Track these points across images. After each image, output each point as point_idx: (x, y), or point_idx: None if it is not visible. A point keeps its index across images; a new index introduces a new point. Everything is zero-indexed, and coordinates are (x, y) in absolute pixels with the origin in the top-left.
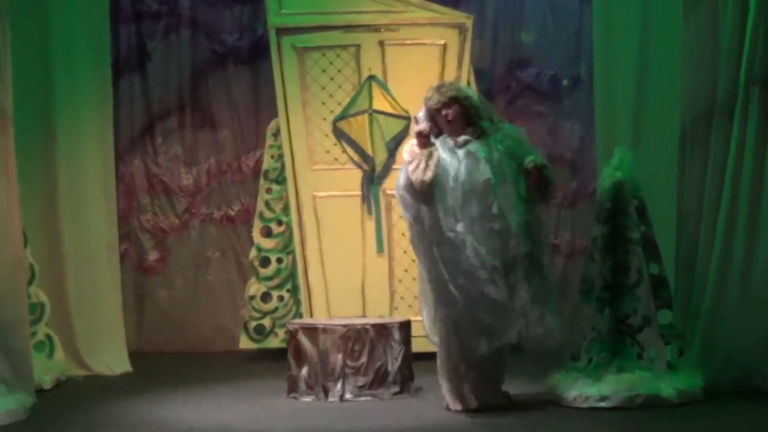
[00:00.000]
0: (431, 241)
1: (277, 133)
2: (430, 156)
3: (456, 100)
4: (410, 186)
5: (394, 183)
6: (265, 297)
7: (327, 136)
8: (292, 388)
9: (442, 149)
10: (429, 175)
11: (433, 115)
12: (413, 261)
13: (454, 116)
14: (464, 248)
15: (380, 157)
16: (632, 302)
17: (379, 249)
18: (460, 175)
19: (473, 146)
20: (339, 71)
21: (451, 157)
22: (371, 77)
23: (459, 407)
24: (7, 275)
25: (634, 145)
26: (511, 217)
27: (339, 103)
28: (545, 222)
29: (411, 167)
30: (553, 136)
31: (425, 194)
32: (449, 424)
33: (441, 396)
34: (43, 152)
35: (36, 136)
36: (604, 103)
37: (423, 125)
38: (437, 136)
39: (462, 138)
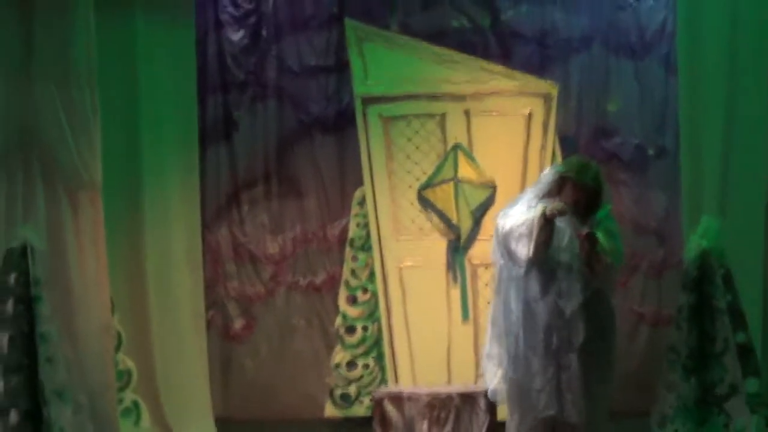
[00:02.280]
0: (518, 290)
1: (362, 202)
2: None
3: (595, 194)
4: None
5: (483, 249)
6: (351, 365)
7: (412, 204)
8: None
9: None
10: (534, 251)
11: (563, 181)
12: None
13: (587, 199)
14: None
15: (466, 225)
16: (719, 371)
17: (465, 316)
18: (554, 248)
19: (565, 224)
20: (424, 140)
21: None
22: (457, 146)
23: None
24: (96, 341)
25: (720, 214)
26: (570, 300)
27: (424, 172)
28: (612, 309)
29: (534, 235)
30: (638, 206)
31: (539, 255)
32: None
33: None
34: (131, 222)
35: (124, 206)
36: (689, 173)
37: (563, 208)
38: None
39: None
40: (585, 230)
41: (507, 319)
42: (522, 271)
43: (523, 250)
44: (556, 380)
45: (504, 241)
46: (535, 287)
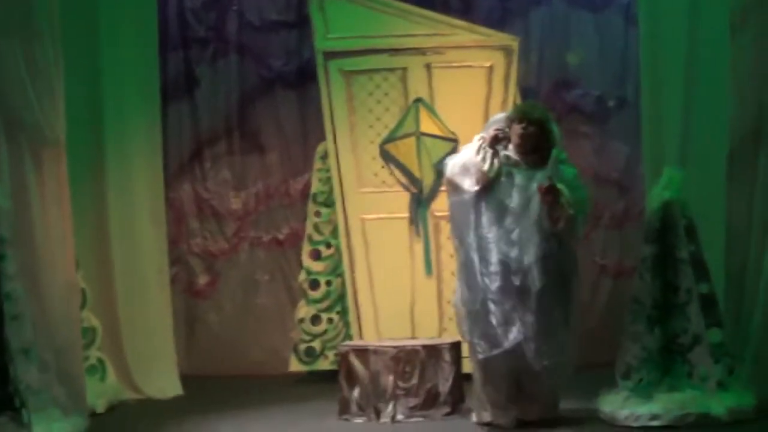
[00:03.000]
0: (469, 227)
1: (325, 156)
2: (495, 155)
3: (540, 124)
4: (466, 170)
5: (445, 202)
6: (315, 319)
7: (374, 158)
8: (344, 409)
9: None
10: (489, 168)
11: (511, 123)
12: None
13: (529, 136)
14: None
15: (428, 179)
16: (682, 321)
17: (428, 271)
18: (496, 193)
19: (517, 171)
20: (386, 94)
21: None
22: (418, 100)
23: (489, 419)
24: (61, 299)
25: (682, 165)
26: (527, 249)
27: (386, 126)
28: (574, 259)
29: (478, 156)
30: (600, 157)
31: (482, 182)
32: None
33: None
34: (94, 179)
35: (86, 164)
36: (651, 123)
37: (502, 130)
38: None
39: (514, 159)
40: (546, 183)
41: (465, 254)
42: (470, 197)
43: (469, 181)
44: (516, 323)
45: (451, 179)
46: (487, 224)
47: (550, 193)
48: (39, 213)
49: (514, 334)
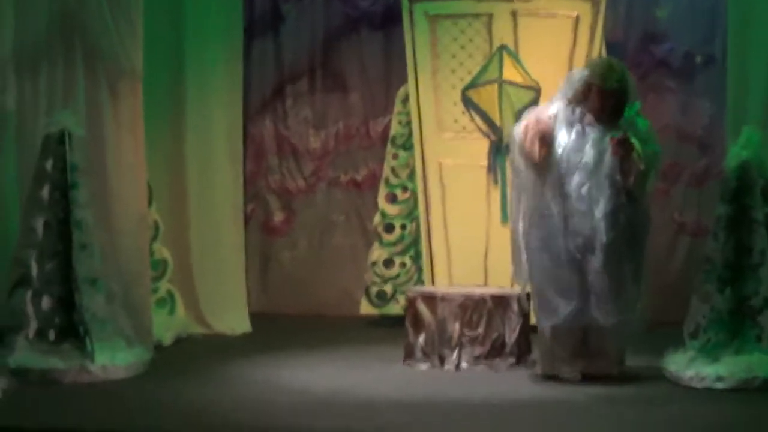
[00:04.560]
0: (530, 196)
1: (406, 100)
2: (546, 136)
3: (620, 94)
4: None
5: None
6: (388, 263)
7: (456, 104)
8: (409, 355)
9: (561, 119)
10: (537, 157)
11: (588, 87)
12: None
13: (608, 105)
14: (554, 220)
15: (508, 127)
16: (754, 283)
17: (504, 218)
18: (566, 150)
19: (591, 127)
20: (470, 40)
21: (567, 129)
22: (502, 47)
23: (554, 372)
24: (131, 231)
25: (765, 125)
26: (597, 203)
27: (469, 72)
28: (646, 212)
29: (527, 142)
30: (684, 114)
31: (534, 168)
32: (564, 396)
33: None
34: (172, 112)
35: (165, 96)
36: (736, 82)
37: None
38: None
39: (589, 118)
40: (618, 135)
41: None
42: (536, 177)
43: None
44: (579, 285)
45: (515, 152)
46: (547, 192)
47: (622, 145)
48: (113, 143)
49: (572, 306)
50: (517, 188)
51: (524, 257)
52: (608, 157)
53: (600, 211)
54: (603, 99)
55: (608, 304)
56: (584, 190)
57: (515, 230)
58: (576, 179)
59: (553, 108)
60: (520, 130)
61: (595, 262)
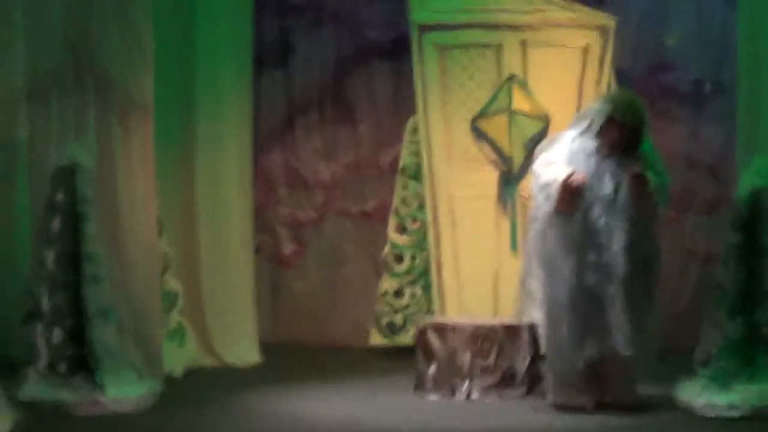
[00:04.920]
0: (552, 224)
1: (415, 130)
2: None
3: (639, 129)
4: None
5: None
6: (398, 293)
7: (465, 134)
8: (419, 385)
9: (578, 150)
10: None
11: (610, 121)
12: None
13: (627, 139)
14: (580, 252)
15: (518, 157)
16: (765, 311)
17: (513, 247)
18: (588, 183)
19: (608, 159)
20: (479, 70)
21: (585, 161)
22: (512, 77)
23: (566, 401)
24: (142, 262)
25: None
26: (614, 236)
27: (478, 102)
28: (658, 244)
29: (548, 192)
30: (693, 142)
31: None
32: (576, 426)
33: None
34: (182, 143)
35: (176, 127)
36: (746, 109)
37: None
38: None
39: (605, 150)
40: (636, 170)
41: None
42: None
43: (545, 204)
44: (601, 316)
45: (536, 191)
46: (574, 225)
47: (639, 178)
48: (123, 175)
49: (587, 351)
50: (539, 222)
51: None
52: (624, 190)
53: (618, 243)
54: (623, 133)
55: (627, 335)
56: (602, 222)
57: (528, 272)
58: (596, 211)
59: (566, 140)
60: (551, 178)
61: (614, 293)
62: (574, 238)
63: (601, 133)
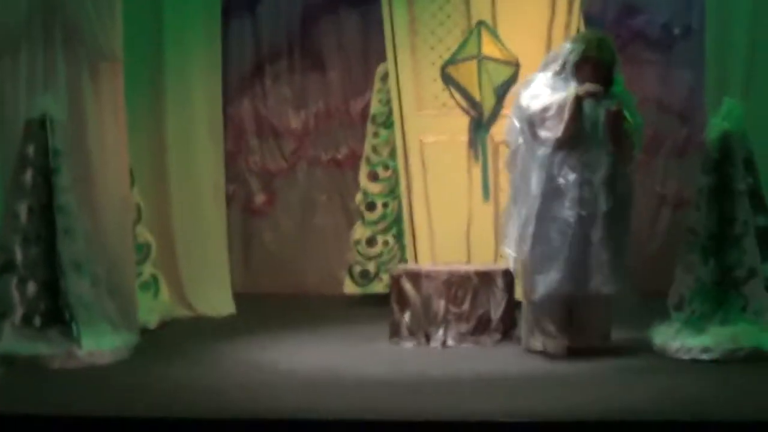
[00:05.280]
0: (544, 169)
1: (385, 77)
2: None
3: (609, 65)
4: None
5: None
6: (371, 241)
7: (435, 80)
8: (395, 333)
9: (555, 90)
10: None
11: (584, 60)
12: None
13: (600, 76)
14: (567, 189)
15: (488, 103)
16: (738, 254)
17: (485, 196)
18: None
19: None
20: (448, 16)
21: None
22: (481, 23)
23: (540, 347)
24: (114, 214)
25: (745, 96)
26: (596, 172)
27: (448, 48)
28: (633, 183)
29: (566, 116)
30: (663, 85)
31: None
32: (549, 371)
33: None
34: (152, 93)
35: (144, 78)
36: (715, 53)
37: (596, 89)
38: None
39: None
40: (615, 107)
41: (526, 196)
42: (549, 150)
43: (551, 131)
44: (583, 255)
45: (529, 122)
46: (561, 162)
47: (617, 116)
48: (94, 127)
49: (573, 290)
50: (526, 161)
51: (531, 229)
52: (602, 127)
53: (599, 179)
54: (597, 71)
55: (609, 273)
56: (584, 159)
57: (517, 203)
58: (579, 149)
59: (541, 80)
60: (553, 101)
61: (597, 230)
62: (566, 178)
63: (576, 72)
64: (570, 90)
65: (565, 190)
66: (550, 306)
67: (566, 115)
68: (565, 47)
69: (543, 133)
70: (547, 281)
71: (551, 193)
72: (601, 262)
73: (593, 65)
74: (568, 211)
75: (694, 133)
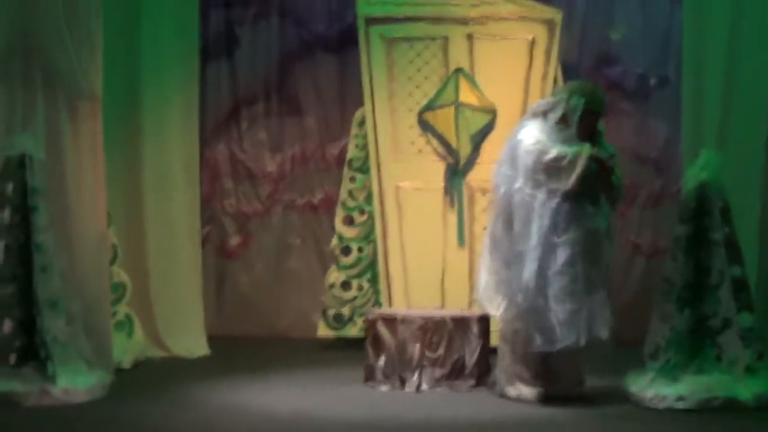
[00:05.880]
0: (545, 221)
1: (362, 122)
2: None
3: (604, 114)
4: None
5: (481, 174)
6: (345, 285)
7: (412, 127)
8: (369, 376)
9: (555, 140)
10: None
11: (587, 112)
12: None
13: (592, 130)
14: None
15: (465, 150)
16: (713, 304)
17: (461, 241)
18: None
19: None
20: (426, 63)
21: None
22: (458, 70)
23: (516, 394)
24: (91, 253)
25: (720, 146)
26: (597, 221)
27: (425, 94)
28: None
29: (578, 172)
30: (639, 135)
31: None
32: (526, 417)
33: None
34: (129, 134)
35: (122, 119)
36: (691, 103)
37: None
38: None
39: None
40: (606, 158)
41: (511, 245)
42: (557, 200)
43: (560, 182)
44: (586, 306)
45: (539, 170)
46: (567, 214)
47: (608, 168)
48: (72, 166)
49: (575, 333)
50: (519, 210)
51: (533, 281)
52: (594, 180)
53: (603, 228)
54: (593, 122)
55: (607, 319)
56: (593, 209)
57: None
58: (578, 202)
59: (538, 129)
60: (565, 153)
61: (599, 278)
62: (571, 231)
63: (573, 123)
64: (586, 148)
65: (568, 242)
66: (530, 355)
67: (579, 171)
68: (563, 99)
69: (553, 184)
70: (543, 343)
71: (552, 245)
72: (602, 309)
73: (592, 117)
74: (571, 261)
75: (669, 183)
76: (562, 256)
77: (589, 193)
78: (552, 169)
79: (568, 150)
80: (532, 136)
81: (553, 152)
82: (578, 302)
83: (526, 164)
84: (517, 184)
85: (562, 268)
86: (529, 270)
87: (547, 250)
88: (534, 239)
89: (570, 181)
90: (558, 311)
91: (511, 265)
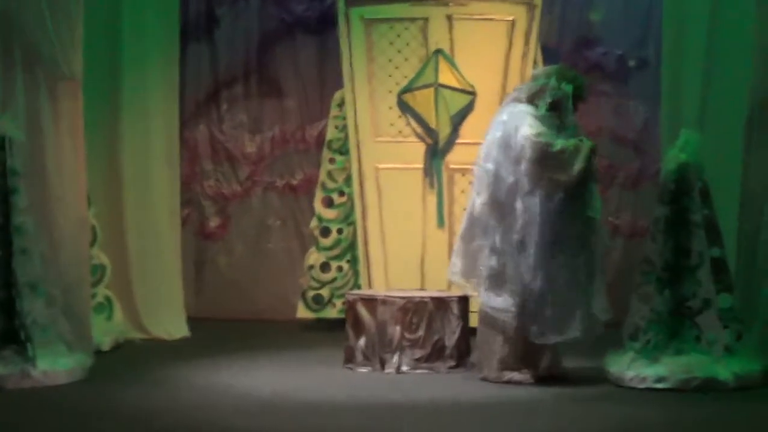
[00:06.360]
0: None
1: (342, 104)
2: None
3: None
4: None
5: (460, 155)
6: (325, 267)
7: (391, 108)
8: (349, 358)
9: (549, 125)
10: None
11: (576, 99)
12: None
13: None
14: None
15: (444, 131)
16: (692, 285)
17: (440, 223)
18: None
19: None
20: (406, 44)
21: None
22: (438, 51)
23: (497, 376)
24: (71, 236)
25: (700, 128)
26: (596, 207)
27: (405, 76)
28: None
29: (581, 166)
30: (618, 117)
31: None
32: (505, 398)
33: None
34: (109, 116)
35: (102, 100)
36: (670, 85)
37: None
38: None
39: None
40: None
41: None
42: (557, 192)
43: (562, 174)
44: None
45: (542, 163)
46: (566, 204)
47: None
48: (52, 148)
49: (575, 324)
50: (527, 203)
51: (540, 272)
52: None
53: (600, 212)
54: (575, 108)
55: (604, 302)
56: (589, 196)
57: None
58: (578, 191)
59: (530, 114)
60: (569, 145)
61: (599, 263)
62: (566, 215)
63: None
64: (587, 142)
65: (573, 232)
66: (518, 340)
67: (582, 164)
68: (548, 83)
69: (554, 176)
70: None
71: (556, 238)
72: (601, 292)
73: (576, 104)
74: (574, 257)
75: (647, 164)
76: (563, 248)
77: (585, 183)
78: (555, 160)
79: (569, 142)
80: (532, 126)
81: (558, 145)
82: (579, 293)
83: (529, 156)
84: (515, 176)
85: (563, 260)
86: (528, 262)
87: (548, 242)
88: (534, 231)
89: (572, 174)
90: (558, 303)
91: (506, 254)
